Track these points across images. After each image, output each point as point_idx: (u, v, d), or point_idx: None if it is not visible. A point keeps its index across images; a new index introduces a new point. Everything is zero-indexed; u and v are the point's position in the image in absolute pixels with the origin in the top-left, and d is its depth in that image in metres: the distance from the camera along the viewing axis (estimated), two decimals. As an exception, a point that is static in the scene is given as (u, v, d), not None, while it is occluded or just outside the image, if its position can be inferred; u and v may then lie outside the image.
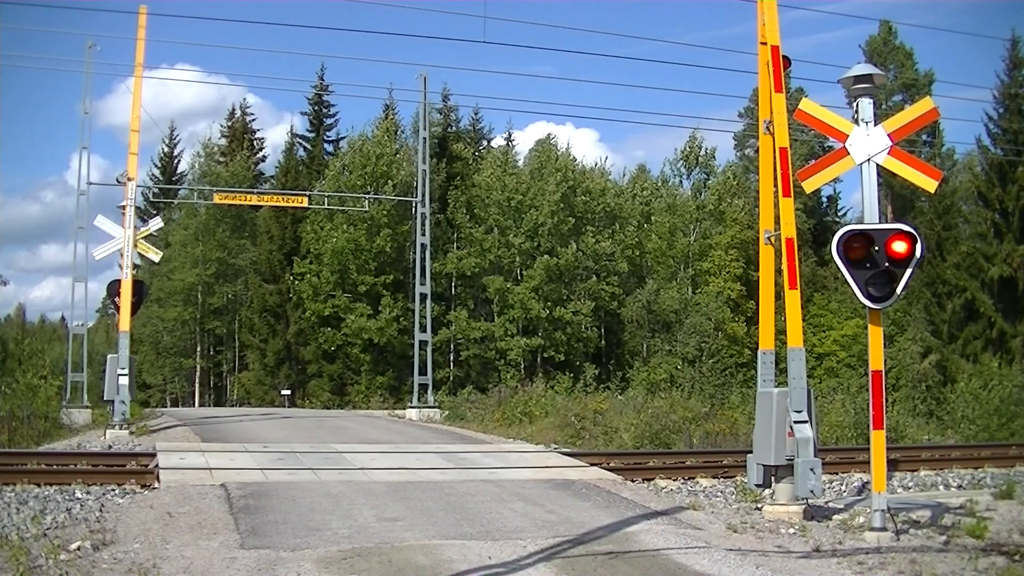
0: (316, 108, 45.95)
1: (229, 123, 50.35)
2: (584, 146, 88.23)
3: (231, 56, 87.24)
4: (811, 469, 9.06)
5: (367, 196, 35.50)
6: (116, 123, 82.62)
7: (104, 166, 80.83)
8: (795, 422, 9.24)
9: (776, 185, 9.74)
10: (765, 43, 10.07)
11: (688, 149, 44.21)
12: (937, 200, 34.83)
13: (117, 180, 20.69)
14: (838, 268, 8.62)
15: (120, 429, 17.14)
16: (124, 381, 17.67)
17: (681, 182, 44.85)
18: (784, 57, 10.08)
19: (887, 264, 8.33)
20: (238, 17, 76.40)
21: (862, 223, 9.03)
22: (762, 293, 10.19)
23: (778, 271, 9.86)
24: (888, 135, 8.63)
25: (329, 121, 46.53)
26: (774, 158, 9.79)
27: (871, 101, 8.77)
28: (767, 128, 9.97)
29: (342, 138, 45.90)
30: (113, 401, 17.97)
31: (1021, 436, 20.00)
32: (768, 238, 9.85)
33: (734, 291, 41.05)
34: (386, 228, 37.80)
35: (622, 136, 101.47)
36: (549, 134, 44.21)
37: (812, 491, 9.17)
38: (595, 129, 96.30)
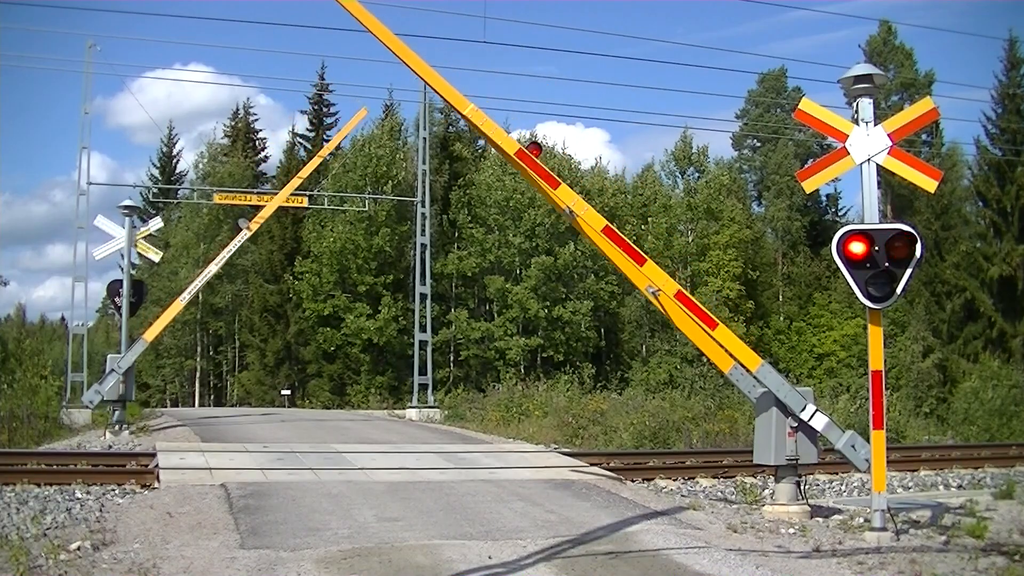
0: (316, 108, 46.01)
1: (232, 123, 50.34)
2: (593, 146, 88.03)
3: (238, 56, 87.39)
4: (852, 446, 8.98)
5: (367, 196, 35.51)
6: (125, 123, 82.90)
7: (112, 166, 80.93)
8: (808, 418, 9.20)
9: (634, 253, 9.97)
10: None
11: (679, 149, 44.18)
12: (935, 200, 34.88)
13: (237, 225, 21.17)
14: (837, 266, 8.64)
15: (96, 423, 17.26)
16: (112, 380, 17.67)
17: (676, 182, 44.88)
18: (534, 144, 10.31)
19: (887, 264, 8.32)
20: (240, 17, 76.37)
21: (862, 222, 9.02)
22: (688, 333, 10.08)
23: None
24: (888, 135, 8.62)
25: (329, 120, 46.60)
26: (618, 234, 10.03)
27: (871, 101, 8.75)
28: (571, 215, 10.11)
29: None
30: (114, 401, 17.97)
31: (1021, 436, 20.03)
32: (653, 293, 9.82)
33: (733, 291, 41.07)
34: (385, 227, 37.80)
35: (625, 136, 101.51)
36: (532, 133, 44.24)
37: (867, 459, 8.95)
38: (605, 130, 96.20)
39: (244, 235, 20.68)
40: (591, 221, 10.04)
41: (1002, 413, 21.29)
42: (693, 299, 9.85)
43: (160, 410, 29.35)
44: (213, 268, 20.71)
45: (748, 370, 9.57)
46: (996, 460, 15.81)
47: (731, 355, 9.66)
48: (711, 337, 9.68)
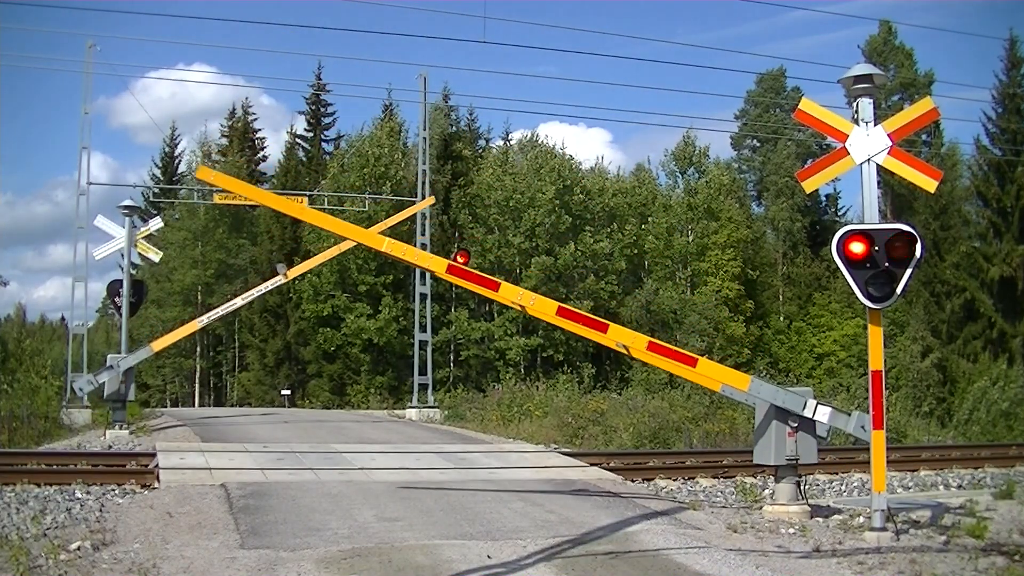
0: (314, 108, 45.98)
1: (230, 123, 50.32)
2: (595, 146, 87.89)
3: (241, 56, 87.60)
4: (863, 426, 8.95)
5: (368, 196, 35.50)
6: (128, 123, 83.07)
7: (114, 167, 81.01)
8: (811, 414, 9.21)
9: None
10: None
11: (680, 149, 44.18)
12: (934, 200, 34.90)
13: (276, 270, 21.39)
14: (837, 266, 8.64)
15: (96, 422, 17.32)
16: (109, 374, 17.72)
17: (676, 182, 44.89)
18: (461, 251, 10.70)
19: (887, 264, 8.32)
20: (241, 17, 76.69)
21: (862, 222, 9.02)
22: (671, 371, 10.56)
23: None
24: (888, 135, 8.61)
25: (327, 120, 46.60)
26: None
27: (871, 101, 8.75)
28: (523, 309, 10.45)
29: (340, 137, 46.00)
30: (114, 400, 17.96)
31: (1021, 436, 20.04)
32: (623, 346, 10.01)
33: (732, 290, 41.06)
34: (384, 227, 37.75)
35: (627, 136, 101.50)
36: (533, 133, 44.27)
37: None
38: (607, 130, 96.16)
39: (279, 280, 20.99)
40: (543, 308, 10.17)
41: (1008, 415, 21.27)
42: (666, 345, 10.03)
43: (160, 410, 29.35)
44: (240, 302, 21.32)
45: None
46: (996, 460, 15.81)
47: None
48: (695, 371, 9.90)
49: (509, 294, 10.24)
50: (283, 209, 13.11)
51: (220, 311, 21.51)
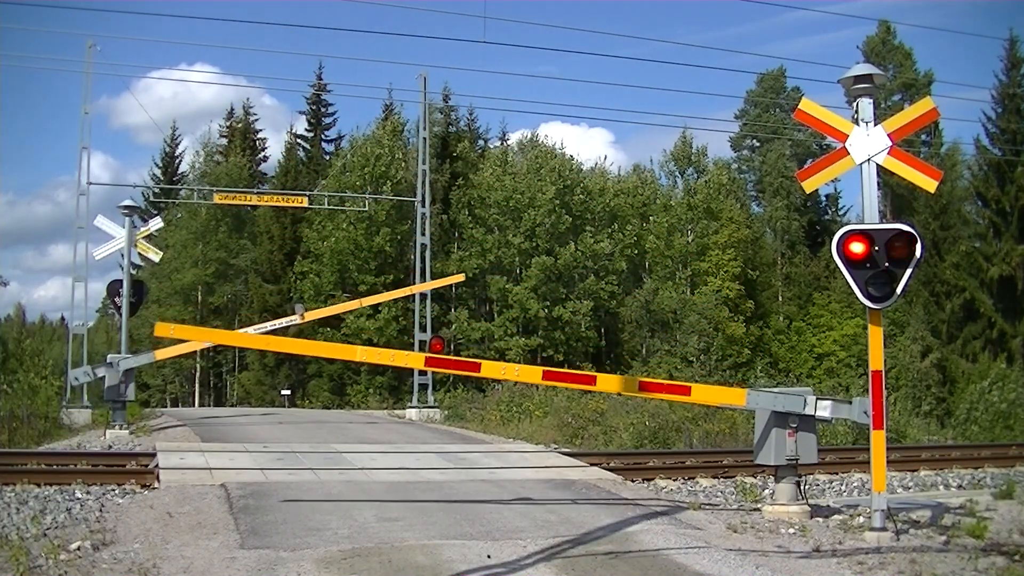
0: (314, 108, 46.05)
1: (228, 123, 50.33)
2: (597, 147, 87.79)
3: (243, 56, 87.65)
4: (865, 412, 8.95)
5: (368, 196, 35.52)
6: (129, 123, 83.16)
7: (115, 166, 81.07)
8: (813, 411, 9.22)
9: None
10: None
11: (679, 149, 44.19)
12: (934, 200, 34.92)
13: (294, 309, 21.41)
14: (836, 266, 8.65)
15: (96, 422, 17.37)
16: (108, 372, 17.75)
17: (675, 182, 44.92)
18: (435, 339, 11.12)
19: (887, 264, 8.32)
20: (243, 17, 76.77)
21: (862, 222, 9.02)
22: (670, 399, 10.80)
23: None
24: (888, 135, 8.61)
25: (328, 120, 46.67)
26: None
27: (871, 101, 8.75)
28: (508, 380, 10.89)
29: (341, 137, 46.10)
30: (113, 401, 17.97)
31: (1021, 436, 20.03)
32: (619, 393, 10.33)
33: (732, 290, 41.07)
34: (385, 227, 37.82)
35: (628, 136, 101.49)
36: (533, 133, 44.32)
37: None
38: (609, 130, 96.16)
39: (295, 319, 21.14)
40: (529, 375, 10.49)
41: (1007, 415, 21.25)
42: (658, 381, 10.37)
43: (160, 410, 29.32)
44: (250, 331, 21.34)
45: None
46: (996, 460, 15.80)
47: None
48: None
49: (492, 371, 10.44)
50: (245, 344, 13.41)
51: None
